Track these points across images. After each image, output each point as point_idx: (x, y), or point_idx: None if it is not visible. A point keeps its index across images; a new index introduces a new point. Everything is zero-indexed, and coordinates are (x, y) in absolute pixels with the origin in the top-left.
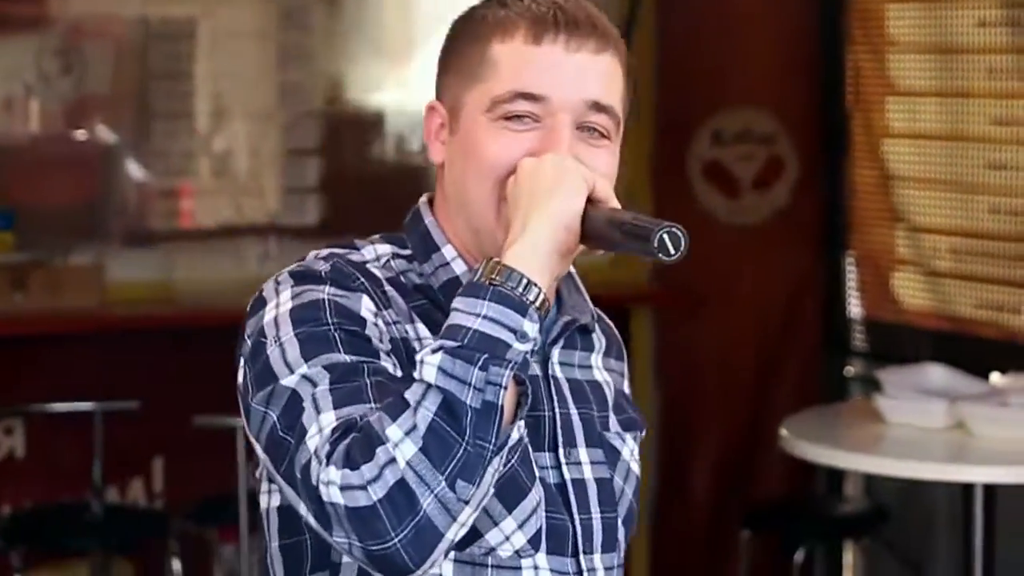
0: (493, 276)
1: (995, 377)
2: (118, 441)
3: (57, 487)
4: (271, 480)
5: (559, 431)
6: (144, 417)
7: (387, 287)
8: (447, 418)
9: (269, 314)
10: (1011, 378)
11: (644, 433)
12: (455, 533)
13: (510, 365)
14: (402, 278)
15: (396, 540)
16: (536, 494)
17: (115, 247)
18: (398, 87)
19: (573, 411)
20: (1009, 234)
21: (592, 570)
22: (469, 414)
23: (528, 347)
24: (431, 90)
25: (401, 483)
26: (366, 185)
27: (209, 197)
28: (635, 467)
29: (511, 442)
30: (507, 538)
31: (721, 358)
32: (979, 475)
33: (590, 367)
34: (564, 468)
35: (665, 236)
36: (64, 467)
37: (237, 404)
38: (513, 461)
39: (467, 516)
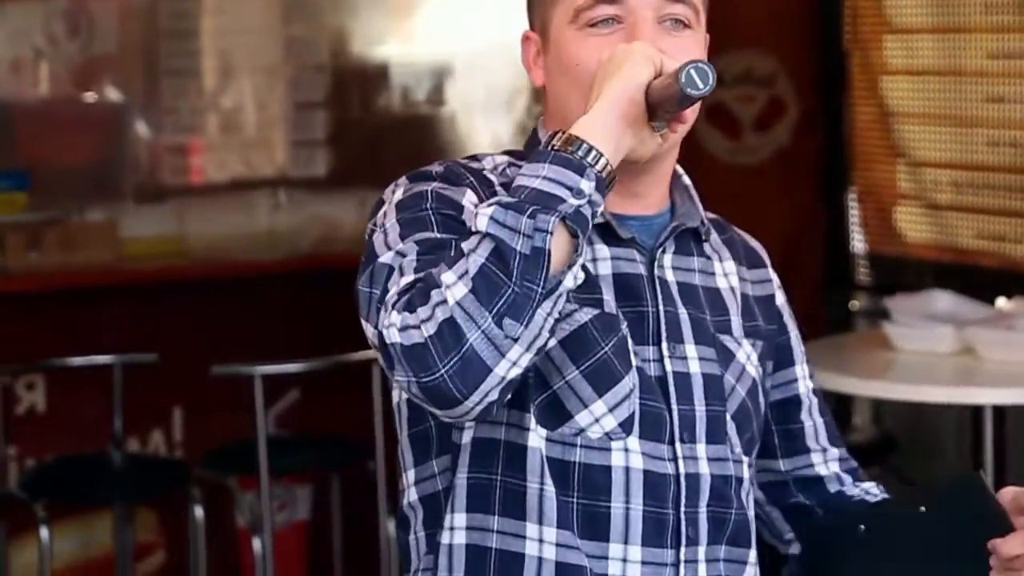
0: (556, 143)
1: (1001, 302)
2: (137, 393)
3: (79, 440)
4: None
5: (663, 327)
6: (162, 369)
7: (498, 188)
8: (496, 262)
9: (381, 209)
10: (1017, 303)
11: (801, 350)
12: (505, 370)
13: (558, 214)
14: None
15: (443, 371)
16: (630, 381)
17: (128, 204)
18: (402, 40)
19: (682, 311)
20: (1008, 166)
21: (692, 458)
22: (517, 258)
23: (582, 202)
24: (435, 42)
25: (450, 320)
26: (373, 136)
27: (218, 152)
28: (752, 370)
29: (563, 287)
30: (597, 420)
31: None
32: (988, 397)
33: (711, 274)
34: (667, 361)
35: (692, 70)
36: (85, 420)
37: (253, 351)
38: (607, 348)
39: (517, 354)
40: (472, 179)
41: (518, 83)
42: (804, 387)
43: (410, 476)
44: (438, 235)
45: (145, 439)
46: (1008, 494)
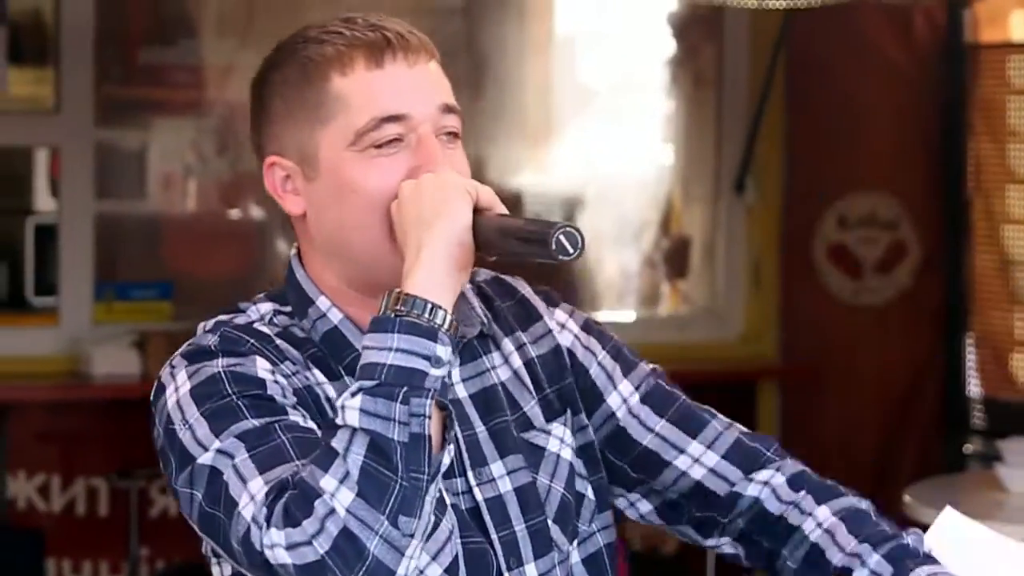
0: (398, 307)
1: None
2: None
3: None
4: (217, 555)
5: (464, 455)
6: None
7: (278, 341)
8: (377, 458)
9: (171, 399)
10: None
11: (593, 372)
12: (406, 568)
13: (430, 393)
14: (289, 330)
15: None
16: (447, 524)
17: None
18: (536, 169)
19: (480, 428)
20: None
21: None
22: (399, 450)
23: (444, 372)
24: (568, 173)
25: (344, 531)
26: (506, 263)
27: None
28: (566, 453)
29: (443, 468)
30: (421, 572)
31: (843, 434)
32: None
33: (494, 367)
34: (475, 490)
35: (562, 237)
36: None
37: None
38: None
39: (414, 549)
40: (251, 341)
41: (647, 215)
42: (623, 411)
43: None
44: (255, 422)
45: None
46: None
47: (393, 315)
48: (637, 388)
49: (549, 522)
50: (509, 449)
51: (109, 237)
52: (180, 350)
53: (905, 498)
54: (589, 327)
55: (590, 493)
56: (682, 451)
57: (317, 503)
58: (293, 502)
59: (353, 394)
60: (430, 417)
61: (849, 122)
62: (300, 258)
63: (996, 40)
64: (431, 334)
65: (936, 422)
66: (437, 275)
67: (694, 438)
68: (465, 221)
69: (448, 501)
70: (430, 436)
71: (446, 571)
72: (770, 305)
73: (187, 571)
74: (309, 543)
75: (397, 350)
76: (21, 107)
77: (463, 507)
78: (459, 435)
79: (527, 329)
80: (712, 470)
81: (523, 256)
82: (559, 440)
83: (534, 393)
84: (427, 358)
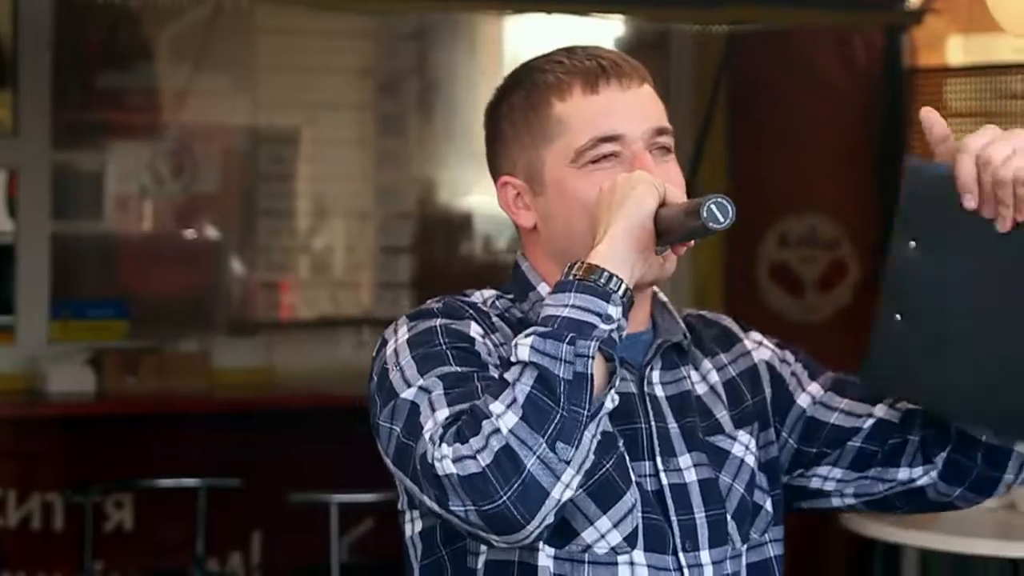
0: (578, 272)
1: None
2: (219, 516)
3: (162, 558)
4: (412, 507)
5: (656, 442)
6: (244, 493)
7: (494, 319)
8: (543, 389)
9: (389, 348)
10: None
11: (800, 372)
12: (560, 493)
13: (595, 339)
14: (507, 314)
15: (505, 498)
16: (631, 496)
17: (220, 336)
18: (485, 191)
19: (672, 423)
20: None
21: (696, 566)
22: (562, 384)
23: (612, 327)
24: None
25: (506, 448)
26: (455, 281)
27: (308, 290)
28: (751, 460)
29: (605, 409)
30: (602, 536)
31: None
32: None
33: (691, 379)
34: (662, 475)
35: (713, 206)
36: (169, 539)
37: (331, 480)
38: (608, 466)
39: (570, 477)
40: (471, 311)
41: None
42: (810, 404)
43: None
44: (458, 368)
45: (225, 560)
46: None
47: (573, 279)
48: (822, 385)
49: (728, 516)
50: (696, 447)
51: (65, 257)
52: (406, 313)
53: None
54: (781, 344)
55: (768, 505)
56: (860, 415)
57: (484, 423)
58: (465, 423)
59: (527, 335)
60: (593, 358)
61: (791, 143)
62: (524, 256)
63: (933, 64)
64: (605, 295)
65: None
66: (618, 251)
67: (863, 401)
68: (649, 208)
69: (633, 478)
70: (592, 376)
71: (626, 539)
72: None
73: None
74: (473, 457)
75: (572, 306)
76: None
77: (648, 488)
78: (652, 423)
79: (728, 350)
80: (878, 419)
81: (691, 236)
82: (744, 447)
83: (728, 406)
84: (598, 314)
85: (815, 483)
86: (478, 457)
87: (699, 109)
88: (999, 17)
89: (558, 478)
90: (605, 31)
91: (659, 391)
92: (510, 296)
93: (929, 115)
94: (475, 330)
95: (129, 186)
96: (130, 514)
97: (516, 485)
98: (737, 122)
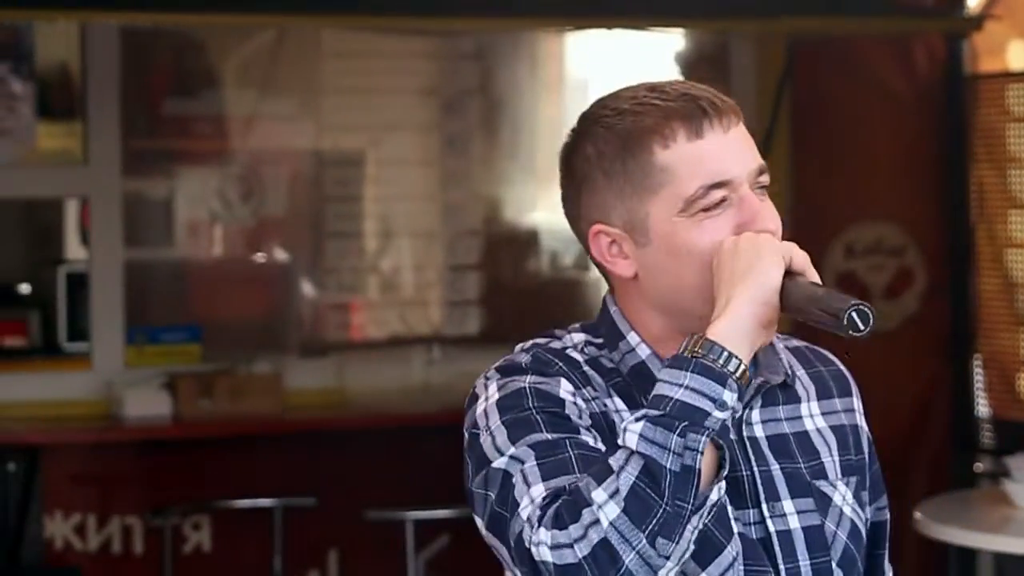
0: (696, 349)
1: None
2: (296, 535)
3: None
4: (510, 565)
5: (760, 487)
6: (320, 512)
7: (585, 367)
8: (648, 481)
9: (480, 407)
10: None
11: (872, 468)
12: None
13: (707, 432)
14: (597, 360)
15: None
16: (732, 550)
17: (292, 357)
18: (550, 208)
19: (775, 467)
20: None
21: None
22: (668, 477)
23: (727, 415)
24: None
25: (604, 542)
26: (522, 298)
27: (377, 311)
28: (848, 511)
29: (709, 503)
30: None
31: None
32: None
33: (800, 417)
34: (768, 521)
35: (855, 314)
36: (246, 559)
37: (404, 498)
38: (707, 520)
39: (668, 571)
40: (560, 364)
41: None
42: (887, 515)
43: None
44: (549, 436)
45: None
46: None
47: (691, 356)
48: (881, 510)
49: (833, 564)
50: (801, 491)
51: (138, 283)
52: (496, 363)
53: (916, 515)
54: (871, 434)
55: (860, 563)
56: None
57: (585, 511)
58: (565, 508)
59: (637, 419)
60: (703, 453)
61: (854, 153)
62: (615, 298)
63: (994, 70)
64: (722, 379)
65: (946, 442)
66: (739, 327)
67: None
68: (775, 283)
69: (736, 529)
70: (700, 470)
71: None
72: (783, 332)
73: None
74: (571, 546)
75: (687, 387)
76: (51, 160)
77: (753, 536)
78: (755, 469)
79: (841, 397)
80: None
81: (820, 325)
82: (843, 497)
83: (833, 450)
84: (713, 400)
85: None
86: (575, 547)
87: (761, 120)
88: None
89: (655, 573)
90: (665, 44)
91: (758, 431)
92: (599, 341)
93: None
94: (565, 389)
95: (199, 212)
96: (208, 535)
97: None
98: (799, 132)
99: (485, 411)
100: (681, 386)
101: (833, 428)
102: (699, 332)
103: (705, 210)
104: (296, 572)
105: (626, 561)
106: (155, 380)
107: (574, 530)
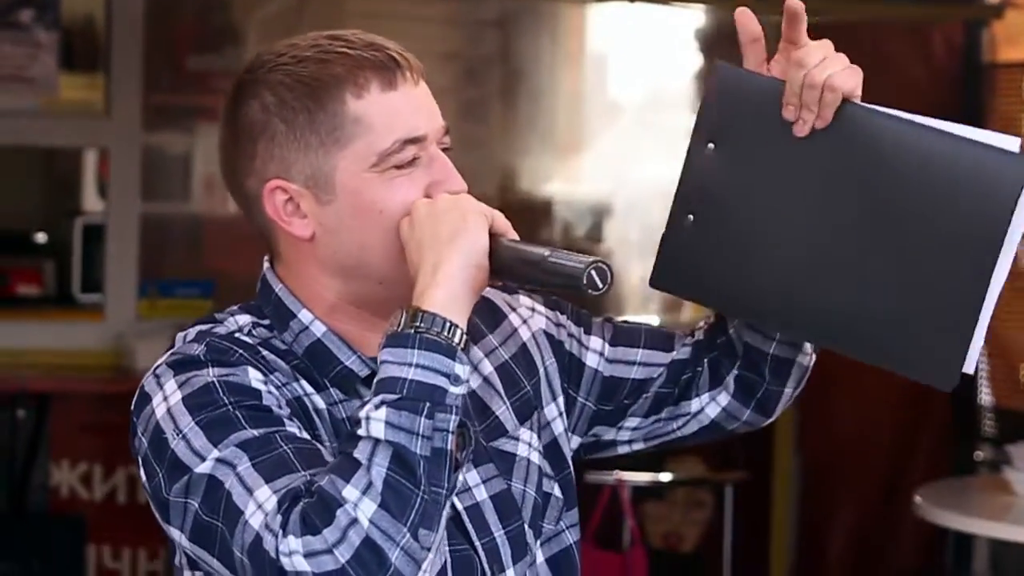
0: (416, 324)
1: None
2: None
3: None
4: (193, 568)
5: None
6: None
7: (263, 352)
8: (401, 470)
9: (160, 409)
10: None
11: (562, 319)
12: None
13: (453, 410)
14: (270, 343)
15: None
16: (439, 531)
17: None
18: (566, 179)
19: None
20: None
21: None
22: (421, 463)
23: (463, 390)
24: (596, 183)
25: (367, 541)
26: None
27: None
28: (534, 456)
29: (459, 484)
30: None
31: (858, 437)
32: None
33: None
34: (455, 499)
35: (594, 273)
36: None
37: None
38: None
39: (429, 563)
40: (239, 351)
41: None
42: (602, 363)
43: None
44: (255, 432)
45: None
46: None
47: (413, 331)
48: (603, 337)
49: (525, 526)
50: (481, 459)
51: (154, 237)
52: (163, 359)
53: (916, 499)
54: (552, 303)
55: (557, 491)
56: (657, 364)
57: (339, 512)
58: (312, 510)
59: (376, 406)
60: (453, 433)
61: None
62: (276, 274)
63: (1014, 59)
64: (451, 352)
65: (947, 429)
66: (454, 294)
67: (659, 349)
68: (483, 244)
69: None
70: (452, 451)
71: None
72: None
73: None
74: (330, 551)
75: (417, 366)
76: (73, 110)
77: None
78: None
79: (495, 330)
80: (672, 360)
81: (544, 286)
82: (527, 445)
83: (505, 398)
84: (447, 375)
85: (608, 435)
86: (335, 552)
87: None
88: None
89: (420, 567)
90: (685, 21)
91: None
92: (267, 323)
93: (743, 15)
94: (255, 378)
95: (216, 168)
96: None
97: None
98: None
99: (170, 413)
100: (410, 365)
101: (499, 369)
102: (375, 298)
103: (398, 167)
104: None
105: (392, 559)
106: (167, 333)
107: (329, 534)
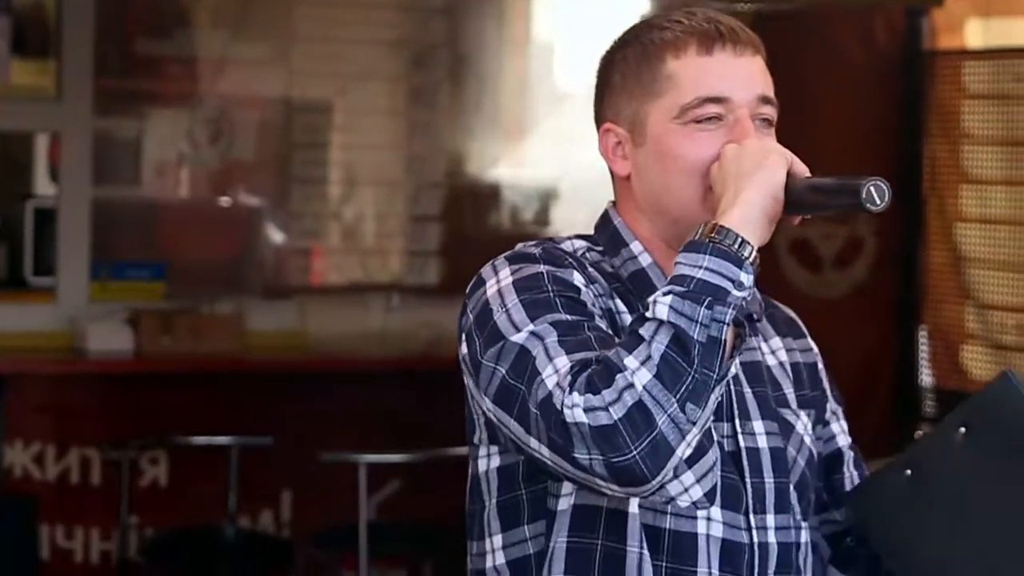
0: (712, 235)
1: None
2: (251, 474)
3: (195, 513)
4: (492, 443)
5: (735, 405)
6: (275, 452)
7: (590, 269)
8: (678, 350)
9: (491, 289)
10: None
11: (838, 408)
12: (683, 451)
13: (731, 305)
14: (599, 265)
15: (635, 453)
16: (714, 454)
17: (254, 299)
18: (513, 164)
19: (747, 389)
20: None
21: (763, 528)
22: (697, 347)
23: (745, 294)
24: (543, 167)
25: (639, 404)
26: (482, 250)
27: (339, 257)
28: (808, 441)
29: (730, 375)
30: (685, 490)
31: None
32: None
33: (761, 350)
34: (740, 437)
35: (872, 188)
36: (202, 495)
37: (359, 442)
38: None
39: (693, 436)
40: (571, 259)
41: None
42: (843, 441)
43: (495, 541)
44: (568, 317)
45: (256, 517)
46: None
47: (707, 240)
48: (848, 435)
49: (791, 487)
50: (769, 415)
51: (105, 221)
52: (503, 255)
53: None
54: (825, 366)
55: (811, 491)
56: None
57: (618, 376)
58: (596, 374)
59: (664, 294)
60: (729, 325)
61: (811, 123)
62: (616, 210)
63: (952, 47)
64: (738, 261)
65: (890, 410)
66: (750, 217)
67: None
68: (780, 178)
69: (715, 437)
70: (725, 341)
71: (706, 495)
72: None
73: (175, 539)
74: (605, 409)
75: (707, 268)
76: (24, 95)
77: (727, 448)
78: (731, 386)
79: (796, 339)
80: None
81: (827, 210)
82: (804, 426)
83: (793, 385)
84: (732, 280)
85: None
86: (610, 409)
87: None
88: (1018, 1)
89: (684, 437)
90: (630, 9)
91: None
92: (600, 249)
93: None
94: (579, 279)
95: (167, 153)
96: (165, 470)
97: (647, 441)
98: None
99: (499, 291)
100: (701, 267)
101: (793, 365)
102: (676, 237)
103: (697, 121)
104: (250, 510)
105: (659, 423)
106: (118, 315)
107: (607, 394)
